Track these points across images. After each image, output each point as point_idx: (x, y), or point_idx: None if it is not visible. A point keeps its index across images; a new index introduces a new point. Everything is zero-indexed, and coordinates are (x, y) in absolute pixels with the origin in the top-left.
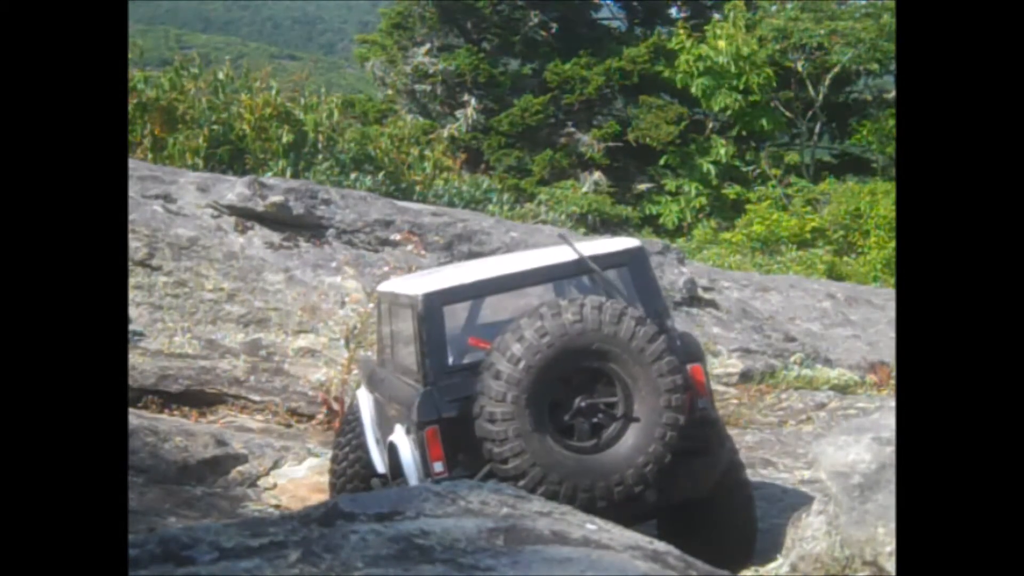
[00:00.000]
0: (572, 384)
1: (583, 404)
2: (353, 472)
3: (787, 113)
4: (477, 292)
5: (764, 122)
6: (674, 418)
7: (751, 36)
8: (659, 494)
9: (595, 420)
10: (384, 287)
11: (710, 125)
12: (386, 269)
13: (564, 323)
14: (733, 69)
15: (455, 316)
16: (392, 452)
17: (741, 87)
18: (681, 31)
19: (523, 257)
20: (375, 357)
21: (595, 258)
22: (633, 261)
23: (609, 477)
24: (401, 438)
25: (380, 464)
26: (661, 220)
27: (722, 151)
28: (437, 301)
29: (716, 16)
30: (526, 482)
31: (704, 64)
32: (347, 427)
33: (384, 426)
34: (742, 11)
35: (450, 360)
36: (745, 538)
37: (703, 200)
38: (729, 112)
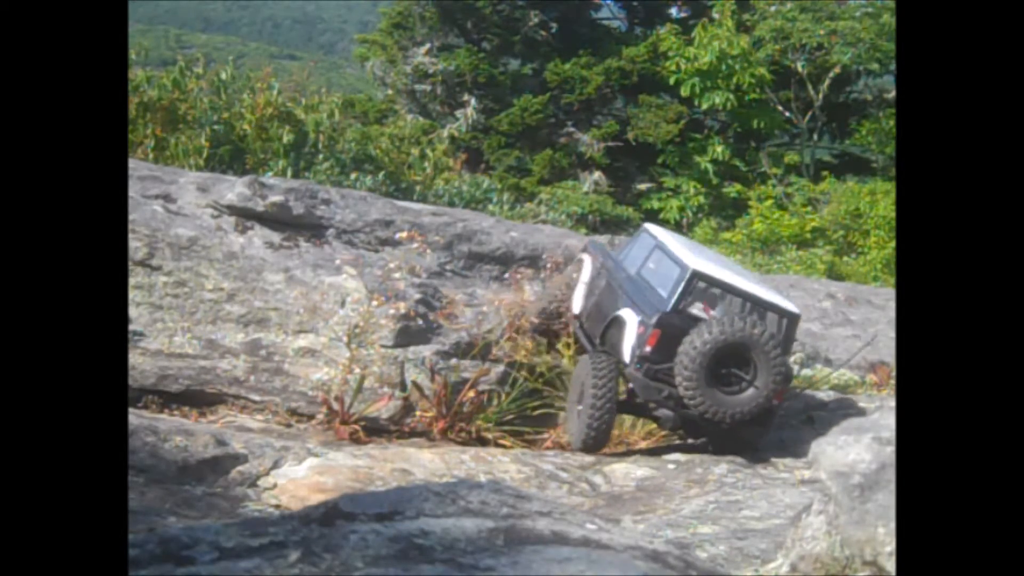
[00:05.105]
0: (730, 358)
1: (732, 370)
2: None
3: (785, 112)
4: (716, 284)
5: (757, 121)
6: (772, 391)
7: (741, 35)
8: (756, 429)
9: (736, 380)
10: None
11: (708, 124)
12: (391, 265)
13: (735, 328)
14: (723, 68)
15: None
16: (616, 321)
17: (732, 86)
18: (670, 33)
19: (749, 283)
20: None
21: (778, 307)
22: (789, 317)
23: (734, 409)
24: (631, 318)
25: (577, 305)
26: (662, 216)
27: (718, 150)
28: (694, 275)
29: (706, 20)
30: (690, 399)
31: (693, 65)
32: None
33: (610, 301)
34: (731, 10)
35: (683, 305)
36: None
37: (700, 199)
38: (723, 111)
